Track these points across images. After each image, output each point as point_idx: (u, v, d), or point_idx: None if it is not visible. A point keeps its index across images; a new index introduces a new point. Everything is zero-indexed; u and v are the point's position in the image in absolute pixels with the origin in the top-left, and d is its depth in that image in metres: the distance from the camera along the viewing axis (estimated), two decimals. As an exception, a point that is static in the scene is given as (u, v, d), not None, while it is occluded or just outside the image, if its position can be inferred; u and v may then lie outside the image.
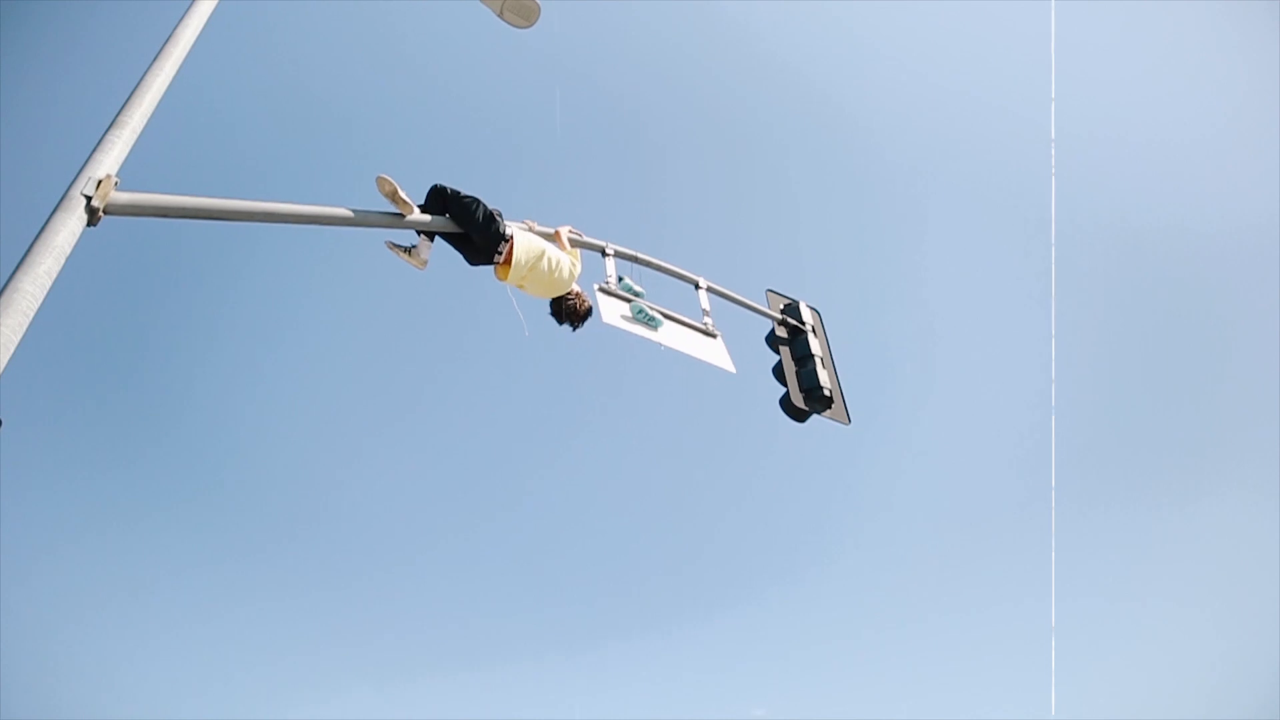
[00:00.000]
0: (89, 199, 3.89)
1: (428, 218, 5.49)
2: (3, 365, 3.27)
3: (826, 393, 7.15)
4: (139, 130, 4.38)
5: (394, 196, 5.31)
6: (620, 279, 6.39)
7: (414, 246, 5.68)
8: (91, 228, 3.96)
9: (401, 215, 5.30)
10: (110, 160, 4.13)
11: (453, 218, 5.64)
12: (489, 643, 24.40)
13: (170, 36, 4.77)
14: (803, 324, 7.65)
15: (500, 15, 7.50)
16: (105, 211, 3.98)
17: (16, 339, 3.39)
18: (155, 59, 4.70)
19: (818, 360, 7.35)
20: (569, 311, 6.08)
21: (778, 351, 7.61)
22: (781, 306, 7.84)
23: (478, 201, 5.64)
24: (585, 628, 25.50)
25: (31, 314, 3.48)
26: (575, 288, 6.11)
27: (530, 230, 6.08)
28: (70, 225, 3.81)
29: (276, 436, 24.66)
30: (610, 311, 6.00)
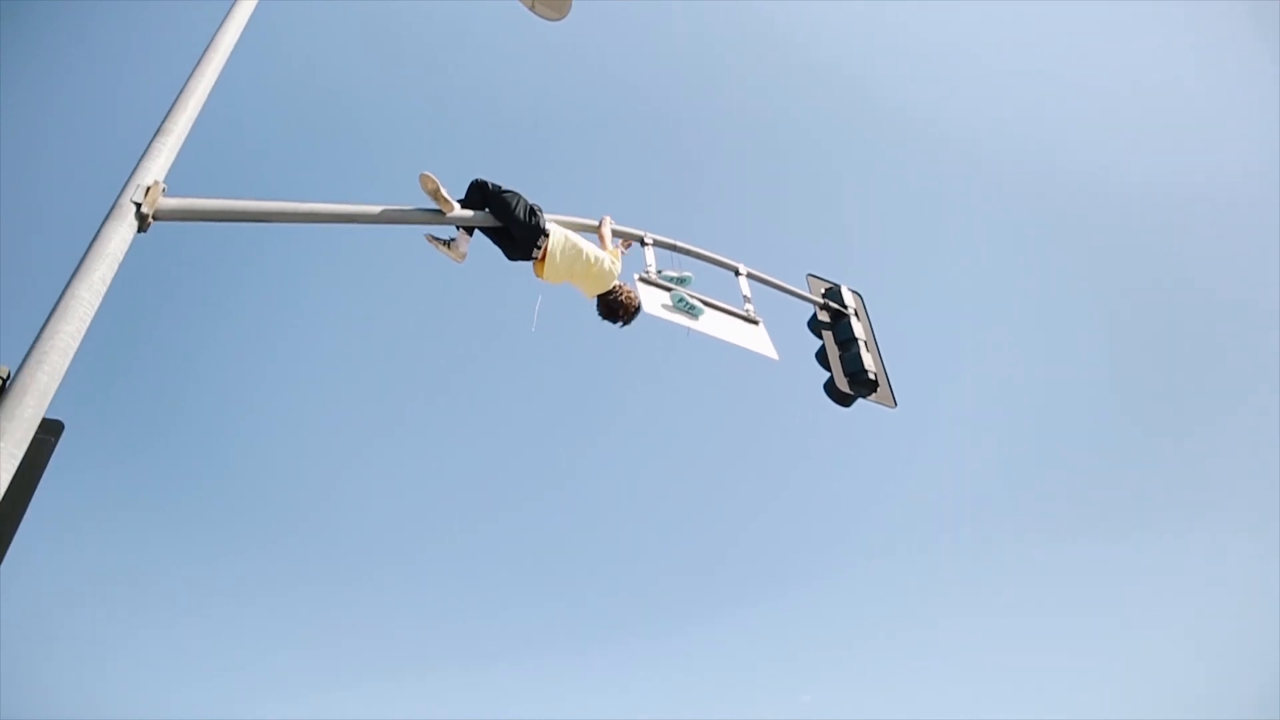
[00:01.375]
0: (138, 206, 3.96)
1: (469, 213, 5.51)
2: (64, 369, 3.34)
3: (871, 376, 7.06)
4: (184, 137, 4.45)
5: (436, 194, 5.34)
6: (659, 271, 6.36)
7: (453, 240, 5.71)
8: (142, 234, 4.04)
9: (442, 212, 5.32)
10: (157, 167, 4.21)
11: (492, 212, 5.65)
12: (540, 636, 24.55)
13: (210, 43, 4.83)
14: (845, 308, 7.56)
15: (532, 9, 7.50)
16: (154, 217, 4.05)
17: (76, 344, 3.46)
18: (196, 66, 4.77)
19: (861, 344, 7.26)
20: (617, 308, 6.04)
21: (820, 336, 7.53)
22: (823, 291, 7.76)
23: (517, 196, 5.65)
24: (635, 620, 25.57)
25: (89, 319, 3.56)
26: (620, 283, 6.08)
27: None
28: (121, 232, 3.88)
29: (279, 433, 24.66)
30: (651, 301, 5.97)
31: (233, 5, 5.25)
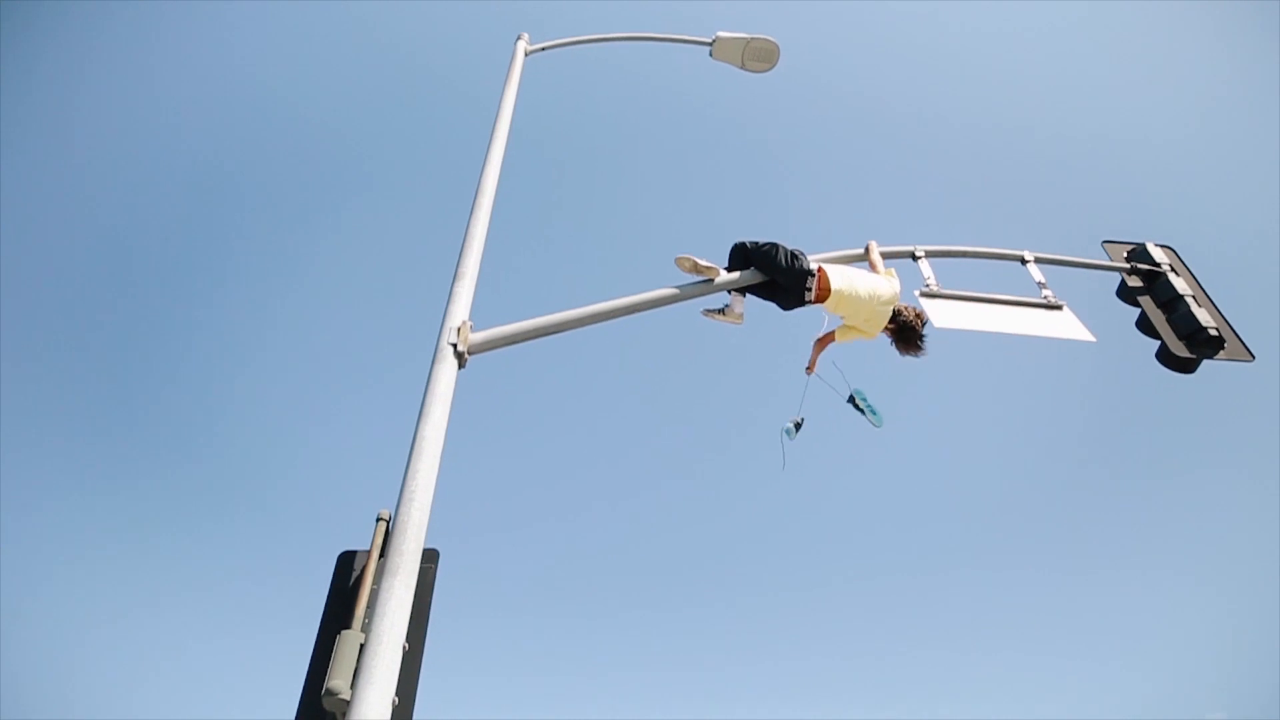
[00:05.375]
0: (455, 346, 4.38)
1: (735, 275, 5.59)
2: (429, 504, 3.71)
3: (1213, 333, 6.20)
4: (476, 277, 4.92)
5: (695, 268, 5.47)
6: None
7: (727, 306, 5.80)
8: (461, 370, 4.45)
9: (711, 280, 5.44)
10: (460, 309, 4.65)
11: (756, 268, 5.69)
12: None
13: (478, 188, 5.37)
14: (1157, 266, 6.77)
15: (743, 67, 7.64)
16: (469, 353, 4.46)
17: (432, 480, 3.83)
18: (471, 212, 5.30)
19: (1190, 300, 6.43)
20: (910, 330, 5.82)
21: (1135, 304, 6.79)
22: (1125, 254, 7.01)
23: (776, 246, 5.67)
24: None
25: (439, 456, 3.94)
26: (902, 305, 5.85)
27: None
28: (446, 373, 4.29)
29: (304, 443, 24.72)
30: (942, 315, 5.69)
31: (487, 153, 5.82)
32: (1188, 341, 6.30)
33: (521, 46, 7.27)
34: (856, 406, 6.19)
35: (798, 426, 6.20)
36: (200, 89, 22.95)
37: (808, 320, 6.14)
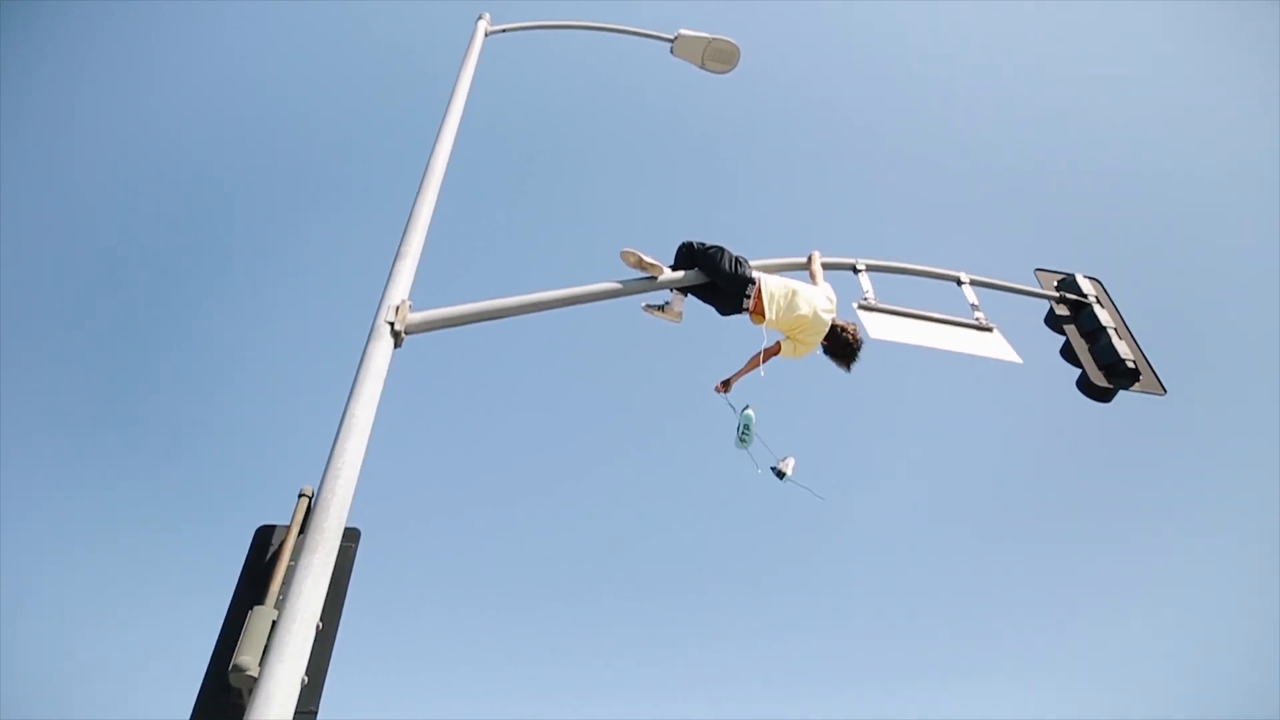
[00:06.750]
0: (392, 324, 4.34)
1: (679, 274, 5.64)
2: (355, 482, 3.68)
3: (1130, 365, 6.47)
4: (418, 257, 4.88)
5: (640, 265, 5.51)
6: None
7: (667, 303, 5.84)
8: (397, 349, 4.42)
9: (654, 278, 5.48)
10: (400, 288, 4.61)
11: (700, 269, 5.74)
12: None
13: (427, 167, 5.32)
14: (1084, 297, 7.02)
15: (702, 67, 7.69)
16: (406, 332, 4.42)
17: (361, 458, 3.80)
18: (418, 192, 5.25)
19: (1111, 332, 6.69)
20: (847, 347, 5.86)
21: (1061, 332, 7.03)
22: (1055, 283, 7.25)
23: (721, 250, 5.73)
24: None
25: (368, 434, 3.90)
26: (843, 322, 5.92)
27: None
28: (382, 350, 4.25)
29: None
30: (877, 327, 5.82)
31: (439, 133, 5.76)
32: (1106, 372, 6.55)
33: (482, 26, 7.21)
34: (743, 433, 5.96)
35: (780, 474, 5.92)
36: (184, 84, 22.21)
37: (746, 323, 6.17)
